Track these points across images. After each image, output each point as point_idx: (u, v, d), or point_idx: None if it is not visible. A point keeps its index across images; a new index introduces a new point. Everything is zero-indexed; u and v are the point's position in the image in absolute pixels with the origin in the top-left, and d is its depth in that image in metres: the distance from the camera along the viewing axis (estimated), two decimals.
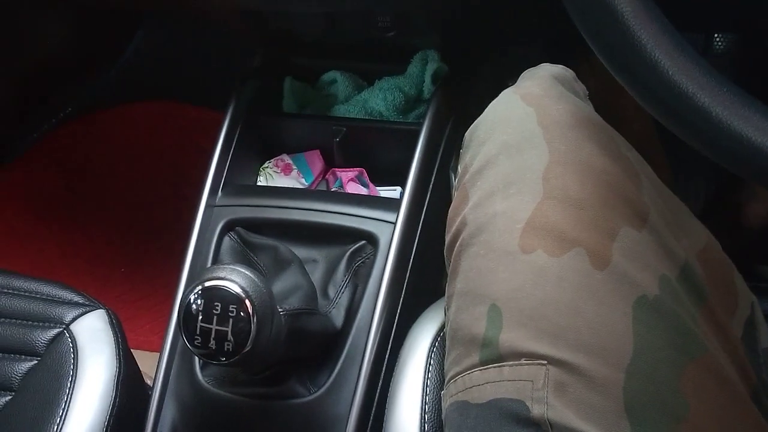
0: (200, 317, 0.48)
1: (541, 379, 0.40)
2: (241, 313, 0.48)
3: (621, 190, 0.45)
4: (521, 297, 0.43)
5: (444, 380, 0.47)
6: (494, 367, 0.42)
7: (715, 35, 0.64)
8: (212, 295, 0.48)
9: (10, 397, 0.58)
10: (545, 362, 0.41)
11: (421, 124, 0.69)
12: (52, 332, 0.60)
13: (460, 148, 0.54)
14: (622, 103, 0.49)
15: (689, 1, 0.47)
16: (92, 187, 1.11)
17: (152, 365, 0.64)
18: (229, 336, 0.48)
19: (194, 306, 0.48)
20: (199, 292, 0.48)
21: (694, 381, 0.41)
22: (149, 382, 0.65)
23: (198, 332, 0.48)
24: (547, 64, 0.54)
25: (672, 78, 0.34)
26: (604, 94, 0.56)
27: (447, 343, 0.48)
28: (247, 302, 0.48)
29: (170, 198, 1.06)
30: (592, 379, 0.40)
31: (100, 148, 1.13)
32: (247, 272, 0.49)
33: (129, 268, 1.02)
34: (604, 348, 0.41)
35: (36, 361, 0.59)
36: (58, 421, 0.55)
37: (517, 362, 0.41)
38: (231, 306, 0.48)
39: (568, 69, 0.54)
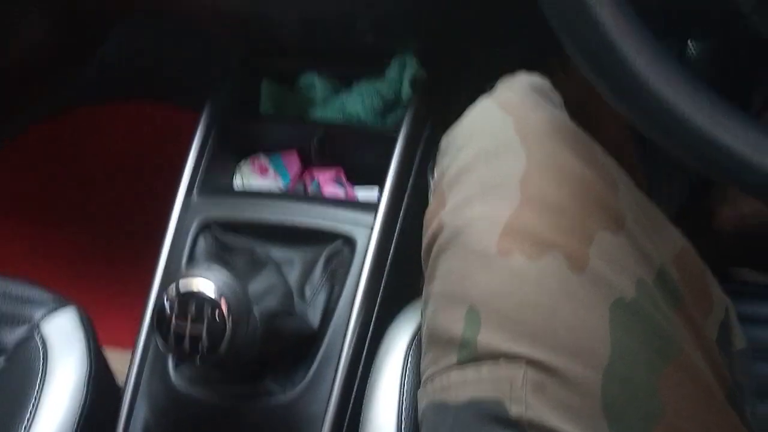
0: (174, 318, 0.48)
1: (520, 379, 0.41)
2: (216, 315, 0.48)
3: (597, 195, 0.46)
4: (499, 299, 0.43)
5: (421, 380, 0.47)
6: (472, 367, 0.43)
7: (689, 42, 0.66)
8: (187, 296, 0.48)
9: None
10: (524, 362, 0.41)
11: (398, 128, 0.69)
12: (21, 331, 0.59)
13: (438, 152, 0.54)
14: (598, 110, 0.50)
15: (665, 11, 0.48)
16: (66, 187, 1.10)
17: (124, 363, 0.63)
18: (204, 337, 0.48)
19: (168, 307, 0.48)
20: (174, 292, 0.48)
21: (670, 381, 0.42)
22: (121, 379, 0.64)
23: (172, 333, 0.48)
24: (524, 73, 0.55)
25: (653, 87, 0.35)
26: (580, 101, 0.57)
27: (423, 344, 0.48)
28: (222, 303, 0.48)
29: (145, 198, 1.05)
30: (571, 379, 0.41)
31: (75, 148, 1.12)
32: (222, 273, 0.49)
33: (103, 268, 1.01)
34: (582, 349, 0.41)
35: (4, 362, 0.58)
36: (26, 422, 0.54)
37: (495, 362, 0.42)
38: (205, 307, 0.48)
39: (544, 78, 0.55)
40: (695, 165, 0.35)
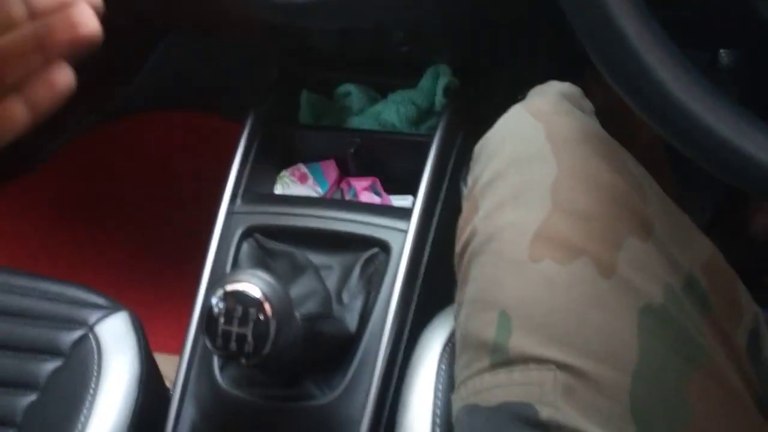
0: (222, 320, 0.50)
1: (550, 383, 0.42)
2: (261, 316, 0.50)
3: (627, 202, 0.47)
4: (530, 304, 0.44)
5: (454, 384, 0.49)
6: (504, 371, 0.44)
7: (721, 51, 0.65)
8: (233, 298, 0.50)
9: (36, 397, 0.60)
10: (554, 367, 0.42)
11: (432, 136, 0.71)
12: (77, 333, 0.62)
13: (470, 160, 0.55)
14: (629, 118, 0.51)
15: (694, 19, 0.48)
16: (114, 194, 1.14)
17: (170, 367, 0.66)
18: (249, 338, 0.50)
19: (216, 309, 0.50)
20: (221, 295, 0.50)
21: (698, 387, 0.43)
22: (168, 384, 0.67)
23: (220, 334, 0.50)
24: (555, 81, 0.56)
25: (677, 99, 0.35)
26: (612, 109, 0.58)
27: (457, 348, 0.50)
28: (267, 305, 0.50)
29: (190, 205, 1.08)
30: (600, 383, 0.41)
31: (123, 156, 1.16)
32: (266, 277, 0.51)
33: (150, 272, 1.04)
34: (610, 353, 0.42)
35: (61, 362, 0.61)
36: (82, 420, 0.57)
37: (526, 366, 0.43)
38: (251, 309, 0.50)
39: (575, 86, 0.56)
40: (718, 174, 0.36)
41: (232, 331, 0.50)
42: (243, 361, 0.50)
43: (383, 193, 0.75)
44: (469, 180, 0.54)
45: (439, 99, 0.75)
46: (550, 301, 0.44)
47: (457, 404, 0.47)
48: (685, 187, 0.77)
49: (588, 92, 0.58)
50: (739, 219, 0.85)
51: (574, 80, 0.57)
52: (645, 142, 0.64)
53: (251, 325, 0.50)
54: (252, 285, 0.50)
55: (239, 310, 0.50)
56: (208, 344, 0.51)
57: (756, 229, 0.83)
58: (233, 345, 0.50)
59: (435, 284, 0.68)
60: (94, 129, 1.16)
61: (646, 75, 0.36)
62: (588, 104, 0.56)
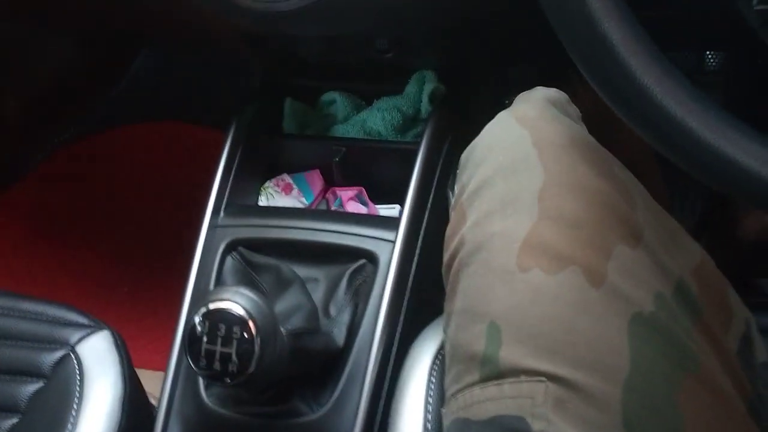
0: (204, 339, 0.49)
1: (541, 395, 0.41)
2: (245, 335, 0.49)
3: (615, 209, 0.46)
4: (519, 314, 0.43)
5: (445, 397, 0.48)
6: (494, 384, 0.43)
7: (707, 53, 0.65)
8: (216, 317, 0.49)
9: (17, 419, 0.59)
10: (544, 379, 0.41)
11: (418, 144, 0.70)
12: (58, 354, 0.61)
13: (457, 168, 0.55)
14: (616, 124, 0.51)
15: (678, 20, 0.48)
16: (96, 207, 1.12)
17: (155, 384, 0.65)
18: (233, 357, 0.49)
19: (199, 328, 0.49)
20: (204, 314, 0.49)
21: (690, 395, 0.42)
22: (153, 401, 0.65)
23: (203, 354, 0.49)
24: (541, 87, 0.55)
25: (661, 103, 0.35)
26: (599, 114, 0.58)
27: (446, 360, 0.49)
28: (251, 324, 0.49)
29: (174, 218, 1.07)
30: (591, 394, 0.41)
31: (104, 169, 1.15)
32: (250, 294, 0.50)
33: (132, 287, 1.03)
34: (601, 363, 0.42)
35: (42, 383, 0.60)
36: None
37: (516, 379, 0.42)
38: (234, 327, 0.49)
39: (562, 92, 0.56)
40: (702, 178, 0.35)
41: (216, 351, 0.49)
42: (227, 381, 0.49)
43: (369, 203, 0.74)
44: (456, 189, 0.53)
45: (425, 105, 0.75)
46: (540, 310, 0.43)
47: (447, 418, 0.47)
48: (674, 191, 0.77)
49: (575, 97, 0.58)
50: (728, 222, 0.85)
51: (562, 85, 0.57)
52: (633, 147, 0.63)
53: (235, 344, 0.49)
54: (235, 303, 0.49)
55: (222, 328, 0.49)
56: (191, 365, 0.50)
57: (745, 232, 0.83)
58: (217, 365, 0.49)
59: (423, 295, 0.67)
60: (75, 141, 1.15)
61: (628, 78, 0.36)
62: (574, 110, 0.56)
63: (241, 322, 0.49)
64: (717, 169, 0.34)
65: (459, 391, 0.46)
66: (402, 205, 0.68)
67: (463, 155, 0.54)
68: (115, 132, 1.15)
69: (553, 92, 0.55)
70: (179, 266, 0.69)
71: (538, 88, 0.55)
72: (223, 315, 0.49)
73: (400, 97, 0.76)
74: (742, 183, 0.34)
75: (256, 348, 0.49)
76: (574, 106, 0.56)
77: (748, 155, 0.33)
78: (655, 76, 0.35)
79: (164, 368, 0.64)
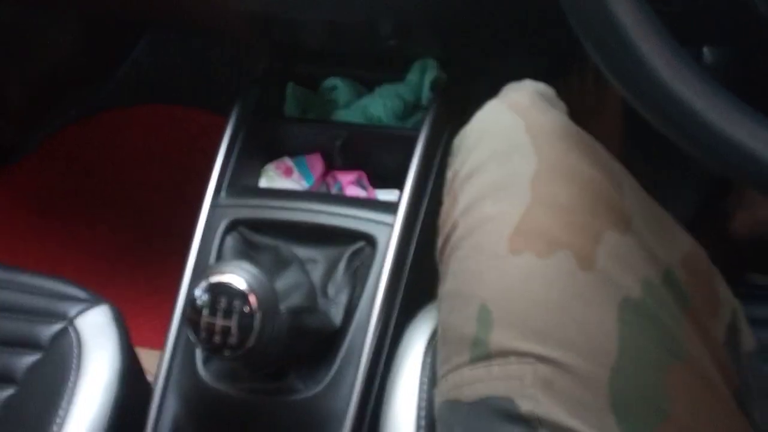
0: (205, 312, 0.50)
1: (530, 376, 0.42)
2: (245, 309, 0.49)
3: (605, 196, 0.47)
4: (510, 297, 0.44)
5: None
6: (483, 365, 0.44)
7: (704, 48, 0.66)
8: (218, 290, 0.50)
9: (13, 391, 0.59)
10: (533, 360, 0.42)
11: (419, 131, 0.71)
12: (56, 327, 0.61)
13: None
14: (601, 126, 0.52)
15: (680, 16, 0.48)
16: (97, 188, 1.13)
17: (152, 362, 0.65)
18: (234, 330, 0.49)
19: (200, 301, 0.50)
20: (205, 287, 0.50)
21: (677, 380, 0.43)
22: (149, 378, 0.66)
23: (203, 327, 0.50)
24: (529, 80, 0.56)
25: (670, 86, 0.35)
26: (584, 112, 0.59)
27: (438, 342, 0.50)
28: (252, 298, 0.49)
29: (173, 200, 1.07)
30: (579, 375, 0.42)
31: (105, 151, 1.15)
32: (251, 269, 0.51)
33: (131, 266, 1.03)
34: (590, 346, 0.42)
35: (40, 356, 0.60)
36: (61, 414, 0.56)
37: (506, 360, 0.43)
38: (235, 301, 0.49)
39: (549, 87, 0.57)
40: (707, 162, 0.36)
41: (216, 324, 0.49)
42: (227, 354, 0.50)
43: (369, 187, 0.75)
44: (449, 174, 0.54)
45: (426, 93, 0.75)
46: (530, 293, 0.44)
47: (438, 399, 0.48)
48: (667, 185, 0.78)
49: (573, 92, 0.58)
50: (721, 215, 0.85)
51: (558, 79, 0.57)
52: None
53: (236, 317, 0.49)
54: (237, 276, 0.50)
55: (223, 302, 0.49)
56: (192, 337, 0.50)
57: (738, 227, 0.84)
58: (217, 338, 0.50)
59: (420, 278, 0.68)
60: (76, 122, 1.15)
61: (639, 63, 0.36)
62: (562, 105, 0.57)
63: (242, 295, 0.49)
64: (722, 152, 0.35)
65: (449, 372, 0.46)
66: (401, 190, 0.68)
67: (456, 140, 0.55)
68: (116, 114, 1.15)
69: (541, 86, 0.56)
70: (178, 246, 0.69)
71: (527, 80, 0.56)
72: (225, 288, 0.49)
73: (401, 84, 0.77)
74: (748, 167, 0.34)
75: (256, 322, 0.49)
76: (562, 102, 0.57)
77: (755, 139, 0.34)
78: (665, 58, 0.35)
79: (161, 347, 0.64)
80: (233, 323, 0.49)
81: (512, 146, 0.49)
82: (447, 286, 0.49)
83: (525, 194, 0.47)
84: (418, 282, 0.67)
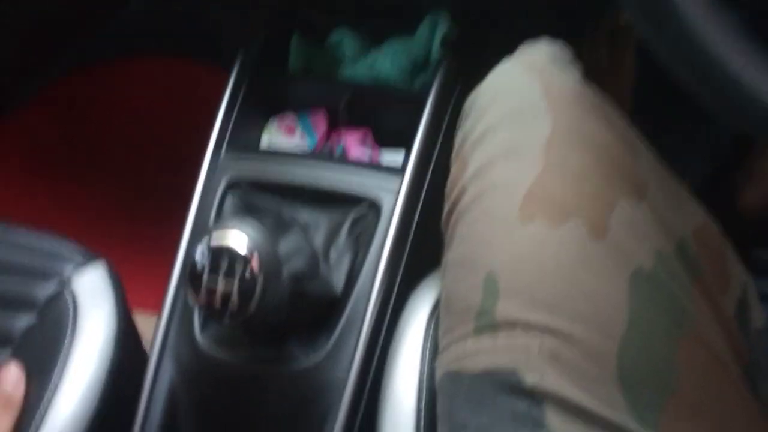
0: (206, 274, 0.48)
1: (536, 348, 0.41)
2: (247, 272, 0.48)
3: (621, 164, 0.46)
4: (519, 266, 0.43)
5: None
6: (488, 336, 0.43)
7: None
8: (219, 252, 0.48)
9: (9, 352, 0.58)
10: (540, 332, 0.41)
11: (428, 91, 0.68)
12: (51, 287, 0.59)
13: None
14: (617, 88, 0.50)
15: None
16: (90, 142, 1.10)
17: (147, 327, 0.64)
18: (234, 294, 0.48)
19: (200, 262, 0.48)
20: (206, 248, 0.48)
21: (686, 354, 0.42)
22: (146, 341, 0.64)
23: (203, 289, 0.48)
24: (546, 40, 0.54)
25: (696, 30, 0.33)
26: (598, 75, 0.56)
27: (441, 311, 0.48)
28: (254, 261, 0.48)
29: (170, 156, 1.05)
30: (587, 348, 0.40)
31: (100, 103, 1.12)
32: (255, 229, 0.49)
33: (126, 224, 1.01)
34: (599, 318, 0.41)
35: (35, 316, 0.59)
36: (55, 376, 0.55)
37: (511, 331, 0.42)
38: (237, 264, 0.48)
39: (566, 48, 0.54)
40: (728, 113, 0.34)
41: (217, 287, 0.48)
42: (226, 318, 0.48)
43: (374, 146, 0.72)
44: (459, 137, 0.52)
45: (436, 50, 0.72)
46: (539, 262, 0.43)
47: (440, 371, 0.46)
48: (675, 156, 0.76)
49: (587, 52, 0.56)
50: (730, 191, 0.84)
51: (571, 41, 0.55)
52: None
53: (237, 280, 0.47)
54: (240, 236, 0.48)
55: (225, 264, 0.48)
56: (191, 301, 0.48)
57: (746, 200, 0.83)
58: (217, 301, 0.48)
59: (424, 247, 0.66)
60: (71, 74, 1.12)
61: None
62: (578, 67, 0.55)
63: (244, 259, 0.48)
64: (747, 104, 0.33)
65: (452, 342, 0.45)
66: (407, 150, 0.66)
67: (467, 102, 0.53)
68: (113, 66, 1.12)
69: (559, 46, 0.54)
70: (173, 206, 0.67)
71: (543, 40, 0.54)
72: (226, 250, 0.48)
73: (410, 40, 0.74)
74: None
75: (258, 286, 0.48)
76: (578, 64, 0.55)
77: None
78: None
79: (157, 309, 0.63)
80: (234, 287, 0.48)
81: (526, 108, 0.48)
82: (452, 253, 0.48)
83: (538, 158, 0.45)
84: (422, 249, 0.66)
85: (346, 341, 0.59)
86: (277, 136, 0.73)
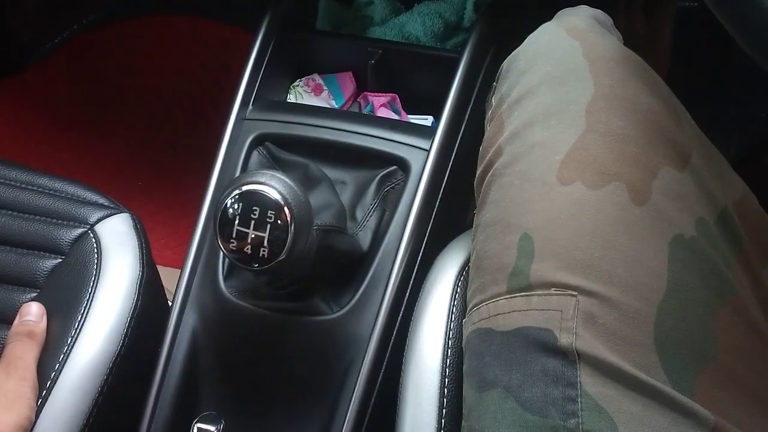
0: (237, 221, 0.47)
1: (571, 309, 0.40)
2: (279, 221, 0.47)
3: (664, 129, 0.45)
4: (556, 227, 0.42)
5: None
6: (522, 295, 0.42)
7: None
8: (251, 199, 0.47)
9: (35, 294, 0.58)
10: (576, 293, 0.40)
11: (461, 52, 0.67)
12: (77, 231, 0.59)
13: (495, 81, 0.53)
14: (647, 58, 0.49)
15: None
16: (112, 98, 1.09)
17: (170, 281, 0.64)
18: (265, 242, 0.47)
19: (231, 209, 0.48)
20: (238, 195, 0.47)
21: (724, 323, 0.41)
22: (168, 296, 0.64)
23: (234, 236, 0.48)
24: (586, 5, 0.54)
25: None
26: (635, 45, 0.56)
27: (471, 271, 0.48)
28: (287, 210, 0.47)
29: (191, 116, 1.04)
30: (624, 311, 0.40)
31: (121, 60, 1.11)
32: (287, 180, 0.48)
33: (146, 181, 1.01)
34: (637, 282, 0.41)
35: (60, 260, 0.59)
36: (80, 319, 0.55)
37: (546, 292, 0.41)
38: (270, 212, 0.47)
39: (606, 14, 0.53)
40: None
41: (248, 234, 0.47)
42: (255, 266, 0.48)
43: (402, 111, 0.72)
44: (494, 99, 0.51)
45: (469, 13, 0.71)
46: (578, 224, 0.42)
47: (469, 328, 0.46)
48: (710, 131, 0.75)
49: (623, 20, 0.55)
50: (763, 170, 0.83)
51: (606, 10, 0.54)
52: None
53: (268, 228, 0.47)
54: (272, 186, 0.47)
55: (257, 211, 0.47)
56: (221, 246, 0.48)
57: None
58: (247, 248, 0.47)
59: (452, 207, 0.66)
60: (92, 30, 1.11)
61: None
62: (618, 34, 0.54)
63: (277, 206, 0.47)
64: None
65: (483, 301, 0.45)
66: (436, 117, 0.65)
67: (505, 63, 0.52)
68: (134, 23, 1.11)
69: (599, 12, 0.53)
70: (193, 163, 0.67)
71: (583, 6, 0.54)
72: (259, 197, 0.47)
73: (443, 2, 0.73)
74: None
75: (290, 236, 0.47)
76: (617, 31, 0.55)
77: None
78: None
79: (179, 266, 0.63)
80: (266, 235, 0.47)
81: (568, 70, 0.47)
82: (486, 214, 0.47)
83: (579, 121, 0.44)
84: (450, 210, 0.65)
85: (371, 298, 0.59)
86: (303, 96, 0.72)
